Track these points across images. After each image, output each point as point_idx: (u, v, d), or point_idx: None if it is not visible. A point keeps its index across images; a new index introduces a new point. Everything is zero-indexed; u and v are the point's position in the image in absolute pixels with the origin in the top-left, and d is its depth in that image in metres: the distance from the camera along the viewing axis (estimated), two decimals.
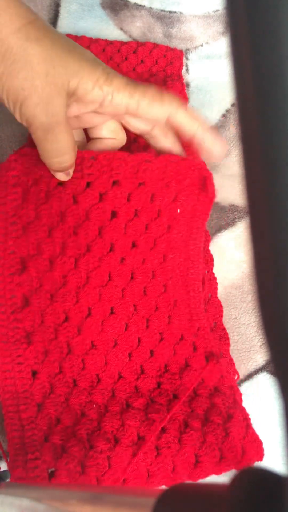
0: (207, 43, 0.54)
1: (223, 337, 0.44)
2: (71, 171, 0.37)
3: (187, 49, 0.53)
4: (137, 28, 0.53)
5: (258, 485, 0.17)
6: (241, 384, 0.44)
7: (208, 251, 0.47)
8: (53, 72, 0.31)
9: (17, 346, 0.37)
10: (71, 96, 0.33)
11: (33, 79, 0.31)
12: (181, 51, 0.52)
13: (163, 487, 0.37)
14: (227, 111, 0.52)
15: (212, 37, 0.54)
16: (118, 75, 0.34)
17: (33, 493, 0.26)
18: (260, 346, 0.45)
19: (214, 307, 0.45)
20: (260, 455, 0.38)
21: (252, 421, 0.40)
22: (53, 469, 0.34)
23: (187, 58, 0.53)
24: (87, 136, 0.40)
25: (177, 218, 0.42)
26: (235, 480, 0.17)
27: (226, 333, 0.45)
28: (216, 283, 0.46)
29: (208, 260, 0.46)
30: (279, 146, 0.13)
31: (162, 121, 0.36)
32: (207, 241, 0.47)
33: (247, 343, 0.45)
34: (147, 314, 0.41)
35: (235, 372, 0.43)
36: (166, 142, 0.39)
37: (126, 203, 0.40)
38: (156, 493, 0.20)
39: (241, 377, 0.44)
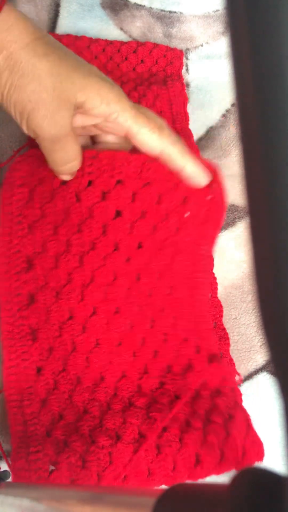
0: (207, 43, 0.54)
1: (223, 337, 0.44)
2: (75, 172, 0.38)
3: (187, 49, 0.53)
4: (137, 28, 0.53)
5: (258, 485, 0.17)
6: (241, 384, 0.44)
7: None
8: (60, 87, 0.32)
9: (23, 342, 0.37)
10: (78, 108, 0.34)
11: (41, 92, 0.32)
12: (181, 51, 0.52)
13: (163, 486, 0.37)
14: (227, 111, 0.52)
15: (212, 37, 0.54)
16: (125, 95, 0.35)
17: (33, 493, 0.26)
18: (260, 346, 0.45)
19: (214, 307, 0.45)
20: (260, 455, 0.38)
21: (252, 421, 0.40)
22: (53, 468, 0.34)
23: (187, 58, 0.53)
24: (92, 139, 0.40)
25: (186, 222, 0.42)
26: (235, 480, 0.17)
27: (226, 333, 0.45)
28: (216, 283, 0.46)
29: None
30: (279, 146, 0.13)
31: (155, 152, 0.37)
32: None
33: (247, 343, 0.45)
34: (152, 315, 0.41)
35: (237, 373, 0.43)
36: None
37: (131, 203, 0.40)
38: (156, 493, 0.20)
39: (241, 377, 0.44)
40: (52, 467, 0.34)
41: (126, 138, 0.37)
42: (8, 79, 0.32)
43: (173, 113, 0.49)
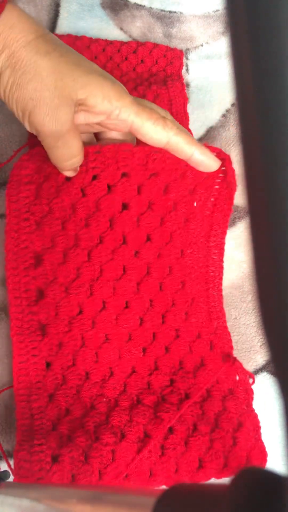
0: (207, 43, 0.54)
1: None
2: (77, 167, 0.38)
3: (187, 49, 0.53)
4: (137, 28, 0.53)
5: (258, 485, 0.17)
6: None
7: None
8: (62, 84, 0.32)
9: (32, 338, 0.37)
10: (79, 105, 0.34)
11: (42, 90, 0.32)
12: (181, 51, 0.52)
13: (164, 487, 0.37)
14: (227, 111, 0.52)
15: (212, 37, 0.54)
16: (127, 91, 0.35)
17: (33, 493, 0.26)
18: (260, 346, 0.45)
19: None
20: (263, 465, 0.38)
21: (261, 429, 0.40)
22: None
23: (187, 58, 0.53)
24: (96, 136, 0.40)
25: (195, 212, 0.41)
26: (235, 480, 0.17)
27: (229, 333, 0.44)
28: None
29: None
30: (279, 146, 0.13)
31: (161, 144, 0.37)
32: None
33: (247, 343, 0.45)
34: (163, 310, 0.40)
35: (249, 374, 0.42)
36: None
37: (137, 195, 0.40)
38: (156, 493, 0.20)
39: (254, 379, 0.43)
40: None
41: (131, 133, 0.37)
42: (10, 77, 0.32)
43: (173, 113, 0.49)
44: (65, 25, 0.51)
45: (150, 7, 0.53)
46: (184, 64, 0.53)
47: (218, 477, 0.37)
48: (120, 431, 0.36)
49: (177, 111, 0.49)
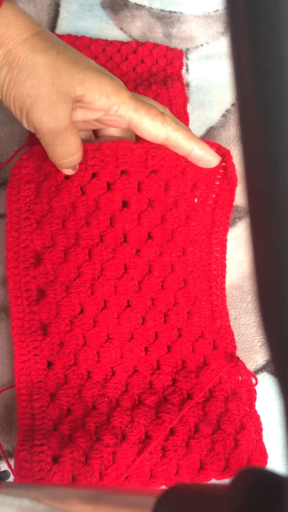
0: (207, 43, 0.54)
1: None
2: (77, 165, 0.38)
3: (187, 49, 0.53)
4: (137, 28, 0.53)
5: (258, 485, 0.16)
6: None
7: None
8: (59, 81, 0.32)
9: (34, 337, 0.37)
10: (77, 102, 0.34)
11: (39, 87, 0.32)
12: (181, 51, 0.52)
13: (164, 487, 0.37)
14: (227, 111, 0.52)
15: (212, 37, 0.54)
16: (124, 87, 0.35)
17: (33, 493, 0.26)
18: (260, 346, 0.45)
19: None
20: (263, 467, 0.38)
21: (263, 431, 0.40)
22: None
23: (187, 58, 0.53)
24: (95, 133, 0.40)
25: (196, 209, 0.41)
26: (235, 480, 0.17)
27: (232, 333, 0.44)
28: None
29: None
30: (279, 146, 0.13)
31: (160, 140, 0.37)
32: None
33: (247, 343, 0.45)
34: (165, 309, 0.40)
35: (252, 375, 0.42)
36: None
37: (137, 192, 0.39)
38: (156, 493, 0.20)
39: (257, 380, 0.43)
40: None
41: (129, 130, 0.37)
42: (7, 74, 0.32)
43: (173, 113, 0.49)
44: (65, 25, 0.51)
45: (150, 7, 0.53)
46: (184, 64, 0.53)
47: (218, 479, 0.37)
48: (121, 432, 0.36)
49: (177, 111, 0.49)
